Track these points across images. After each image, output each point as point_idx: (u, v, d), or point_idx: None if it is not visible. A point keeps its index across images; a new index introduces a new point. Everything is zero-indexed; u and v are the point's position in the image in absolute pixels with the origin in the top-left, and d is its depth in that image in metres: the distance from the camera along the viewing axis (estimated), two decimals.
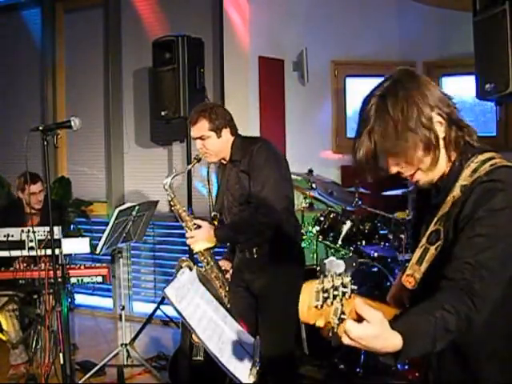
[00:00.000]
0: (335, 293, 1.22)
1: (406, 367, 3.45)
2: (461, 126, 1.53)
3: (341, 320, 1.23)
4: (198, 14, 5.30)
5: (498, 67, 3.36)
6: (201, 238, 3.05)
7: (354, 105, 5.43)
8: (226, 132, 3.06)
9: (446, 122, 1.50)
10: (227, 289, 3.15)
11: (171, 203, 3.14)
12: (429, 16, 5.13)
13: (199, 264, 3.18)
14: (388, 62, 5.28)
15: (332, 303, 1.23)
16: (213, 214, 3.23)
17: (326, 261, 1.27)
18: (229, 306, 3.12)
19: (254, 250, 3.05)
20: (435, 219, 1.53)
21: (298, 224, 3.34)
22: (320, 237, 4.37)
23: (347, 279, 1.23)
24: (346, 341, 1.26)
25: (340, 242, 4.29)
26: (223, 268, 3.20)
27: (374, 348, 1.28)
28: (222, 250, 3.51)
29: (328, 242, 4.38)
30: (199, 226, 3.07)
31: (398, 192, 4.54)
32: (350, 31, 5.24)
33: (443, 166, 1.54)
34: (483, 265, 1.39)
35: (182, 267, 2.89)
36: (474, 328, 1.39)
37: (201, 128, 3.03)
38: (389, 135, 1.46)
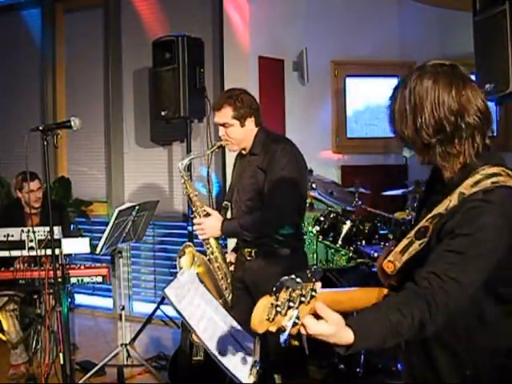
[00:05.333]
0: (291, 304, 1.31)
1: None
2: (459, 140, 1.54)
3: (294, 324, 1.32)
4: (198, 13, 5.29)
5: (498, 67, 3.35)
6: (208, 227, 3.00)
7: (354, 105, 5.44)
8: (250, 121, 3.00)
9: (447, 134, 1.53)
10: (228, 281, 3.12)
11: (183, 186, 3.10)
12: (429, 16, 5.13)
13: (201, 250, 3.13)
14: (388, 61, 5.29)
15: (286, 313, 1.31)
16: (224, 203, 3.18)
17: (283, 279, 1.35)
18: (229, 298, 3.09)
19: (253, 252, 3.03)
20: (428, 216, 1.59)
21: (303, 231, 3.34)
22: (320, 237, 4.37)
23: (307, 290, 1.33)
24: (304, 332, 1.37)
25: (340, 242, 4.29)
26: (228, 260, 3.15)
27: (328, 341, 1.41)
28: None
29: (328, 242, 4.38)
30: (208, 214, 3.02)
31: (398, 192, 4.55)
32: (349, 31, 5.24)
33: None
34: (450, 280, 1.47)
35: (184, 253, 2.88)
36: (425, 334, 1.49)
37: (225, 115, 2.97)
38: (399, 112, 1.57)
